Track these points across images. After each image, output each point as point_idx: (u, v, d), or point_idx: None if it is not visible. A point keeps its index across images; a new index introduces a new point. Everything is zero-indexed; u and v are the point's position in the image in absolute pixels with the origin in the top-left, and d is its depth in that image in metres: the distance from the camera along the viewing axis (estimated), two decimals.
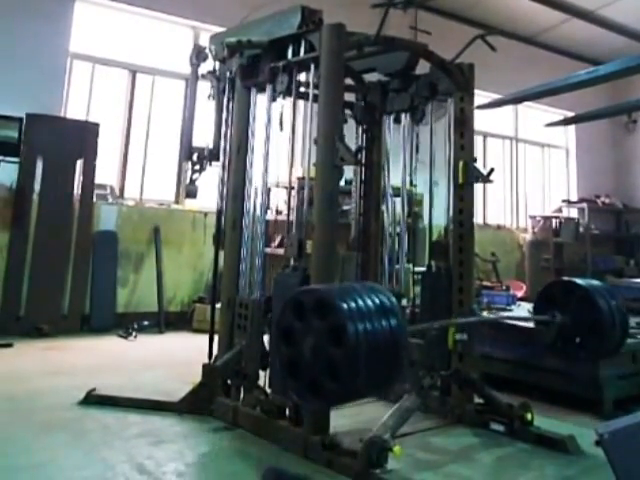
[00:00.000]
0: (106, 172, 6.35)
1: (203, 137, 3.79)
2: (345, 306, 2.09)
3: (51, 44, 6.03)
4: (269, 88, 3.31)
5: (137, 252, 6.27)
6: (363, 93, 3.98)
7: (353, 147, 3.09)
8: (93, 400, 3.36)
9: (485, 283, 7.32)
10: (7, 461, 2.55)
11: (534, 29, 9.29)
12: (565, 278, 3.69)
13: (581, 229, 9.61)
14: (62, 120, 6.01)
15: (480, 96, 6.89)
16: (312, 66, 3.07)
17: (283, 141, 3.35)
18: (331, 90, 2.89)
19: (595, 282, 3.36)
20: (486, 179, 3.47)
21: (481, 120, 8.51)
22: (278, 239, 5.84)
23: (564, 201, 10.11)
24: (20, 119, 5.58)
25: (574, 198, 10.26)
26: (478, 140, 9.20)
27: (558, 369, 3.60)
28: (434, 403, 3.25)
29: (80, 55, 6.35)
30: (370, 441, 2.43)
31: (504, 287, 7.26)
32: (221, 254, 3.52)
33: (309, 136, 3.10)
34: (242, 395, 3.20)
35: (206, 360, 3.39)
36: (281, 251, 3.39)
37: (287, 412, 2.89)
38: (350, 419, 3.14)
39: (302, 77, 3.30)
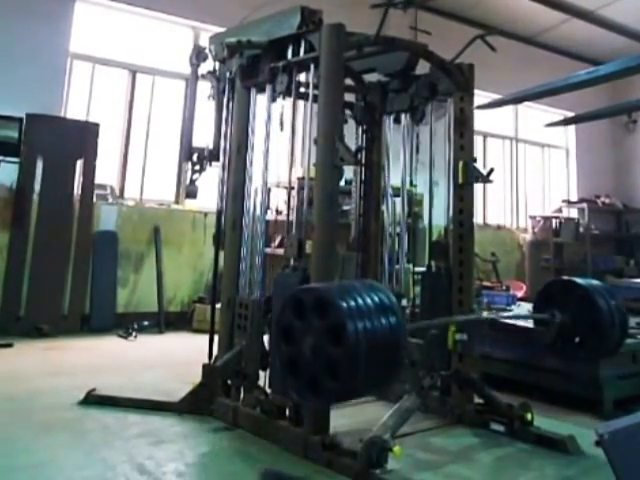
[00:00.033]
0: (106, 172, 6.35)
1: (203, 137, 3.79)
2: (345, 305, 2.09)
3: (51, 44, 6.03)
4: (269, 88, 3.31)
5: (137, 252, 6.27)
6: (363, 93, 3.98)
7: (353, 147, 3.09)
8: (93, 400, 3.36)
9: (485, 283, 7.33)
10: (7, 461, 2.55)
11: (534, 29, 9.29)
12: (565, 277, 3.69)
13: (581, 229, 9.62)
14: (62, 120, 6.01)
15: (480, 96, 6.89)
16: (312, 66, 3.08)
17: (283, 141, 3.35)
18: (331, 90, 2.89)
19: (595, 282, 3.36)
20: (486, 179, 3.47)
21: (481, 120, 8.51)
22: (278, 239, 5.84)
23: (564, 201, 10.11)
24: (20, 119, 5.58)
25: (574, 198, 10.26)
26: (478, 140, 9.20)
27: (558, 369, 3.60)
28: (434, 403, 3.25)
29: (80, 55, 6.35)
30: (370, 441, 2.42)
31: (504, 287, 7.27)
32: (221, 254, 3.52)
33: (309, 136, 3.10)
34: (242, 395, 3.20)
35: (206, 360, 3.39)
36: (281, 251, 3.39)
37: (287, 412, 2.89)
38: (350, 419, 3.14)
39: (302, 77, 3.31)
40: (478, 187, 3.64)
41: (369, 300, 2.17)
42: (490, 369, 3.81)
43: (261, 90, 3.40)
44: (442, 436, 3.10)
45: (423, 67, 3.64)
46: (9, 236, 5.59)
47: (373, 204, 3.98)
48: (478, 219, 8.90)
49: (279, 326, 2.30)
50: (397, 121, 3.90)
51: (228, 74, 3.56)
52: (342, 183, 3.47)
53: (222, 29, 4.34)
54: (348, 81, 3.70)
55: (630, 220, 10.65)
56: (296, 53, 3.19)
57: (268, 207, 4.07)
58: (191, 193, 3.93)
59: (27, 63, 5.80)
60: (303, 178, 3.16)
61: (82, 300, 5.80)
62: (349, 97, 3.87)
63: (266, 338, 3.13)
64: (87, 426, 3.02)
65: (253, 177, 3.42)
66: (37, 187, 5.70)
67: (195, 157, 3.76)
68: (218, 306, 3.51)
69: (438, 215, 3.66)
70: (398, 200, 3.88)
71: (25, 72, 5.76)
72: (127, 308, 6.15)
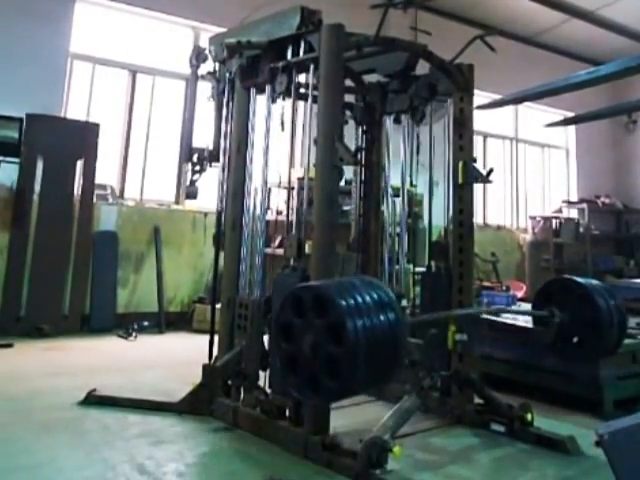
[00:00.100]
0: (106, 172, 6.35)
1: (203, 138, 3.79)
2: (344, 303, 2.09)
3: (51, 44, 6.03)
4: (268, 89, 3.31)
5: (137, 252, 6.28)
6: (363, 94, 3.98)
7: (353, 148, 3.09)
8: (93, 400, 3.36)
9: (485, 283, 7.35)
10: (7, 461, 2.55)
11: (534, 29, 9.29)
12: (564, 276, 3.69)
13: (581, 229, 9.62)
14: (62, 120, 6.01)
15: (480, 96, 6.90)
16: (312, 67, 3.08)
17: (283, 141, 3.35)
18: (331, 90, 2.89)
19: (594, 281, 3.36)
20: (485, 179, 3.47)
21: (481, 120, 8.52)
22: (278, 239, 5.84)
23: (564, 201, 10.12)
24: (20, 119, 5.59)
25: (574, 198, 10.26)
26: (478, 140, 9.21)
27: (558, 369, 3.60)
28: (434, 404, 3.25)
29: (80, 55, 6.36)
30: (370, 441, 2.43)
31: (504, 287, 7.28)
32: (221, 254, 3.52)
33: (309, 136, 3.10)
34: (242, 395, 3.20)
35: (206, 360, 3.39)
36: (281, 251, 3.39)
37: (287, 412, 2.89)
38: (350, 419, 3.14)
39: (302, 78, 3.31)
40: (478, 187, 3.64)
41: (368, 297, 2.17)
42: (490, 369, 3.81)
43: (261, 90, 3.41)
44: (442, 436, 3.10)
45: (423, 67, 3.65)
46: (9, 236, 5.59)
47: (373, 204, 3.98)
48: (478, 219, 8.91)
49: (278, 324, 2.30)
50: (397, 121, 3.90)
51: (228, 75, 3.56)
52: (342, 183, 3.48)
53: (222, 29, 4.34)
54: (348, 82, 3.70)
55: (630, 220, 10.65)
56: (296, 53, 3.19)
57: (268, 207, 4.07)
58: (191, 194, 3.93)
59: (27, 63, 5.80)
60: (303, 178, 3.16)
61: (82, 300, 5.80)
62: (349, 98, 3.88)
63: (266, 338, 3.13)
64: (87, 426, 3.02)
65: (253, 177, 3.42)
66: (37, 187, 5.70)
67: (195, 158, 3.76)
68: (218, 306, 3.52)
69: (438, 215, 3.66)
70: (398, 200, 3.89)
71: (25, 72, 5.77)
72: (127, 308, 6.15)
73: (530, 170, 10.13)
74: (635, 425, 2.05)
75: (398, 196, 3.88)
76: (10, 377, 3.93)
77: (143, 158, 6.69)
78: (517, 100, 6.85)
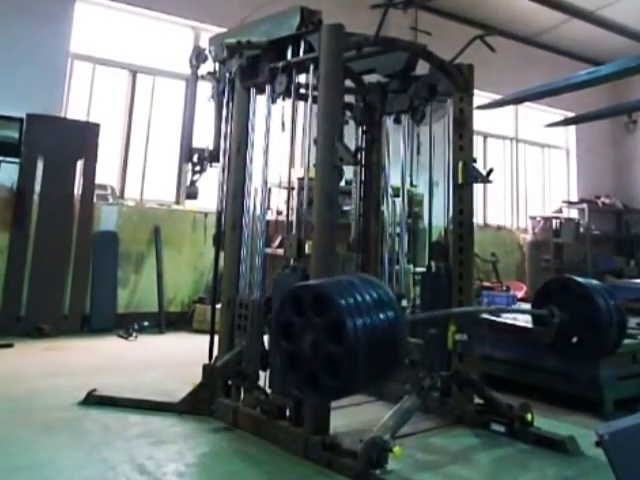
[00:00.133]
0: (106, 172, 6.35)
1: (203, 138, 3.79)
2: (343, 302, 2.09)
3: (51, 44, 6.03)
4: (268, 89, 3.32)
5: (137, 252, 6.28)
6: (363, 94, 3.98)
7: (353, 148, 3.09)
8: (94, 400, 3.36)
9: (485, 284, 7.34)
10: (8, 461, 2.55)
11: (534, 29, 9.29)
12: (564, 275, 3.69)
13: (581, 229, 9.62)
14: (63, 120, 6.02)
15: (480, 96, 6.90)
16: (311, 67, 3.08)
17: (283, 141, 3.35)
18: (330, 90, 2.89)
19: (594, 281, 3.36)
20: (485, 179, 3.47)
21: (481, 121, 8.52)
22: (278, 240, 5.84)
23: (564, 202, 10.11)
24: (21, 119, 5.59)
25: (574, 199, 10.26)
26: (478, 141, 9.21)
27: (558, 369, 3.60)
28: (434, 404, 3.25)
29: (80, 55, 6.36)
30: (370, 442, 2.43)
31: (504, 287, 7.28)
32: (221, 255, 3.52)
33: (309, 136, 3.10)
34: (242, 395, 3.20)
35: (206, 360, 3.39)
36: (281, 252, 3.39)
37: (287, 412, 2.89)
38: (350, 419, 3.14)
39: (302, 79, 3.31)
40: (478, 187, 3.64)
41: (367, 296, 2.17)
42: (490, 369, 3.81)
43: (261, 91, 3.41)
44: (442, 436, 3.10)
45: (423, 68, 3.65)
46: (10, 236, 5.59)
47: (373, 204, 3.98)
48: (478, 219, 8.91)
49: (278, 322, 2.30)
50: (397, 121, 3.90)
51: (228, 75, 3.56)
52: (342, 183, 3.48)
53: (222, 29, 4.35)
54: (348, 82, 3.70)
55: (630, 220, 10.65)
56: (296, 54, 3.19)
57: (268, 207, 4.07)
58: (192, 194, 3.93)
59: (28, 63, 5.80)
60: (303, 178, 3.16)
61: (82, 300, 5.80)
62: (349, 98, 3.88)
63: (266, 338, 3.13)
64: (87, 426, 3.02)
65: (253, 177, 3.42)
66: (37, 187, 5.71)
67: (195, 158, 3.76)
68: (218, 306, 3.52)
69: (438, 215, 3.66)
70: (398, 200, 3.89)
71: (26, 72, 5.77)
72: (127, 308, 6.15)
73: (530, 170, 10.13)
74: (635, 425, 2.05)
75: (398, 196, 3.88)
76: (10, 377, 3.93)
77: (143, 158, 6.69)
78: (517, 100, 6.86)
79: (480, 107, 6.22)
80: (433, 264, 3.61)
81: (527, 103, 8.51)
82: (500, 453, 2.91)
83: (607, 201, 10.24)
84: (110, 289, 6.02)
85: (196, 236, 6.45)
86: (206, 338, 3.53)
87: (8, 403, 3.35)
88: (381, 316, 2.15)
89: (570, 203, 10.09)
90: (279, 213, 5.80)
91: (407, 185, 3.85)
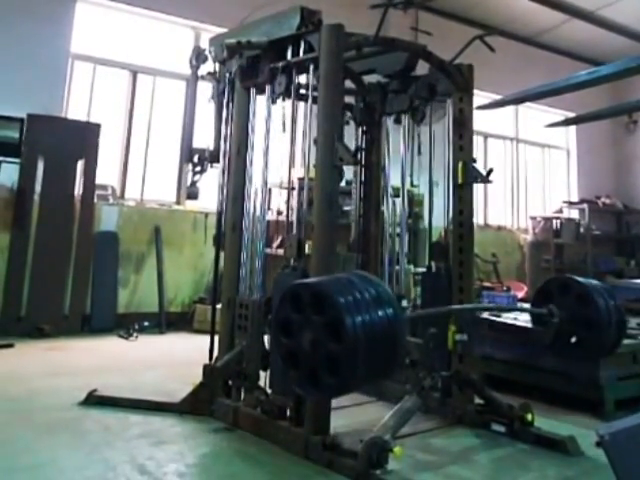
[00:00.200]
0: (107, 172, 6.36)
1: (204, 138, 3.79)
2: (342, 299, 2.09)
3: (52, 45, 6.04)
4: (268, 89, 3.32)
5: (138, 252, 6.28)
6: (363, 94, 3.98)
7: (353, 148, 3.09)
8: (94, 401, 3.36)
9: (486, 284, 7.34)
10: (8, 462, 2.55)
11: (534, 29, 9.29)
12: (564, 275, 3.69)
13: (582, 230, 9.62)
14: (63, 121, 6.02)
15: (480, 96, 6.90)
16: (311, 67, 3.08)
17: (283, 142, 3.35)
18: (330, 90, 2.89)
19: (593, 281, 3.35)
20: (485, 179, 3.47)
21: (482, 121, 8.52)
22: (279, 240, 5.84)
23: (565, 202, 10.11)
24: (21, 120, 5.59)
25: (575, 199, 10.26)
26: (479, 141, 9.21)
27: (558, 370, 3.60)
28: (435, 404, 3.25)
29: (81, 56, 6.36)
30: (371, 442, 2.43)
31: (505, 288, 7.28)
32: (222, 255, 3.52)
33: (309, 137, 3.10)
34: (243, 396, 3.20)
35: (207, 360, 3.39)
36: (282, 252, 3.39)
37: (288, 412, 2.89)
38: (351, 420, 3.15)
39: (302, 79, 3.31)
40: (479, 188, 3.64)
41: (366, 294, 2.17)
42: (490, 369, 3.81)
43: (261, 91, 3.41)
44: (443, 437, 3.10)
45: (423, 68, 3.65)
46: (10, 237, 5.59)
47: (373, 205, 3.98)
48: (479, 220, 8.91)
49: (278, 319, 2.31)
50: (397, 122, 3.90)
51: (228, 75, 3.56)
52: (342, 184, 3.48)
53: (222, 29, 4.35)
54: (348, 83, 3.70)
55: (630, 221, 10.65)
56: (296, 54, 3.19)
57: (269, 208, 4.07)
58: (192, 194, 3.93)
59: (28, 64, 5.81)
60: (303, 178, 3.16)
61: (83, 300, 5.80)
62: (349, 99, 3.88)
63: (266, 338, 3.13)
64: (88, 426, 3.02)
65: (253, 178, 3.42)
66: (38, 188, 5.71)
67: (196, 158, 3.76)
68: (219, 306, 3.52)
69: (438, 215, 3.66)
70: (398, 201, 3.89)
71: (26, 73, 5.77)
72: (128, 308, 6.15)
73: (531, 170, 10.13)
74: (636, 426, 2.05)
75: (398, 196, 3.88)
76: (11, 377, 3.93)
77: (144, 158, 6.69)
78: (518, 100, 6.86)
79: (480, 107, 6.23)
80: (433, 264, 3.61)
81: (527, 103, 8.50)
82: (500, 453, 2.91)
83: (607, 201, 10.24)
84: (110, 289, 6.02)
85: (196, 236, 6.45)
86: (206, 338, 3.53)
87: (8, 403, 3.35)
88: (380, 313, 2.14)
89: (570, 203, 10.09)
90: (279, 213, 5.80)
91: (407, 185, 3.85)
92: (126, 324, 5.71)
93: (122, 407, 3.30)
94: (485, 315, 4.20)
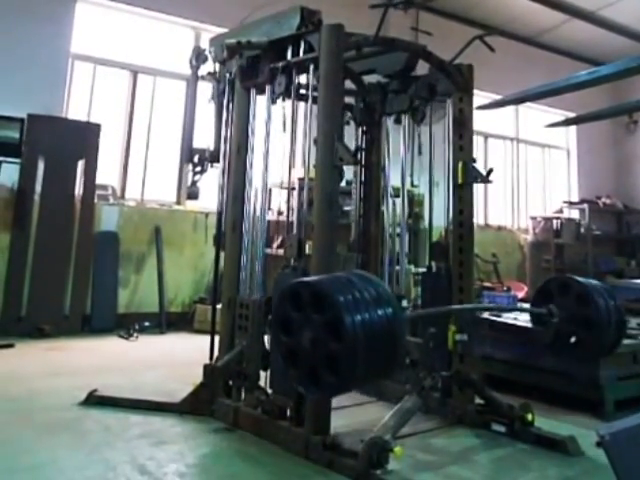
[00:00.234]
0: (107, 173, 6.36)
1: (204, 139, 3.79)
2: (342, 299, 2.09)
3: (52, 45, 6.04)
4: (268, 89, 3.32)
5: (138, 253, 6.28)
6: (363, 94, 3.98)
7: (353, 148, 3.09)
8: (94, 401, 3.36)
9: (486, 284, 7.34)
10: (8, 462, 2.55)
11: (534, 29, 9.29)
12: (563, 275, 3.68)
13: (582, 230, 9.62)
14: (63, 121, 6.02)
15: (480, 96, 6.90)
16: (311, 67, 3.08)
17: (283, 142, 3.35)
18: (330, 90, 2.89)
19: (593, 281, 3.35)
20: (485, 179, 3.47)
21: (482, 121, 8.52)
22: (279, 240, 5.84)
23: (565, 202, 10.11)
24: (21, 120, 5.59)
25: (575, 199, 10.26)
26: (479, 141, 9.21)
27: (558, 370, 3.60)
28: (435, 404, 3.24)
29: (81, 56, 6.37)
30: (371, 442, 2.43)
31: (505, 288, 7.28)
32: (222, 255, 3.52)
33: (309, 137, 3.10)
34: (243, 396, 3.20)
35: (207, 361, 3.39)
36: (282, 252, 3.39)
37: (288, 412, 2.90)
38: (351, 420, 3.15)
39: (302, 79, 3.31)
40: (479, 188, 3.64)
41: (366, 293, 2.17)
42: (490, 369, 3.81)
43: (261, 91, 3.41)
44: (443, 437, 3.10)
45: (423, 68, 3.65)
46: (10, 237, 5.59)
47: (373, 205, 3.98)
48: (479, 220, 8.91)
49: (277, 318, 2.31)
50: (397, 122, 3.90)
51: (228, 75, 3.56)
52: (342, 184, 3.48)
53: (222, 30, 4.35)
54: (348, 83, 3.70)
55: (631, 221, 10.65)
56: (296, 54, 3.19)
57: (269, 208, 4.07)
58: (193, 195, 3.94)
59: (28, 64, 5.81)
60: (303, 179, 3.16)
61: (83, 300, 5.80)
62: (349, 99, 3.88)
63: (267, 338, 3.14)
64: (88, 427, 3.02)
65: (253, 178, 3.42)
66: (38, 188, 5.71)
67: (196, 158, 3.77)
68: (219, 307, 3.52)
69: (438, 216, 3.66)
70: (398, 201, 3.89)
71: (26, 73, 5.77)
72: (128, 308, 6.15)
73: (531, 170, 10.13)
74: (636, 426, 2.05)
75: (398, 196, 3.88)
76: (11, 377, 3.93)
77: (144, 158, 6.69)
78: (518, 100, 6.86)
79: (480, 107, 6.23)
80: (433, 264, 3.61)
81: (527, 103, 8.50)
82: (501, 453, 2.91)
83: (608, 201, 10.24)
84: (111, 289, 6.02)
85: (197, 236, 6.45)
86: (207, 338, 3.53)
87: (9, 403, 3.35)
88: (379, 312, 2.15)
89: (571, 203, 10.08)
90: (280, 213, 5.80)
91: (407, 185, 3.85)
92: (126, 324, 5.72)
93: (122, 407, 3.30)
94: (485, 315, 4.20)
